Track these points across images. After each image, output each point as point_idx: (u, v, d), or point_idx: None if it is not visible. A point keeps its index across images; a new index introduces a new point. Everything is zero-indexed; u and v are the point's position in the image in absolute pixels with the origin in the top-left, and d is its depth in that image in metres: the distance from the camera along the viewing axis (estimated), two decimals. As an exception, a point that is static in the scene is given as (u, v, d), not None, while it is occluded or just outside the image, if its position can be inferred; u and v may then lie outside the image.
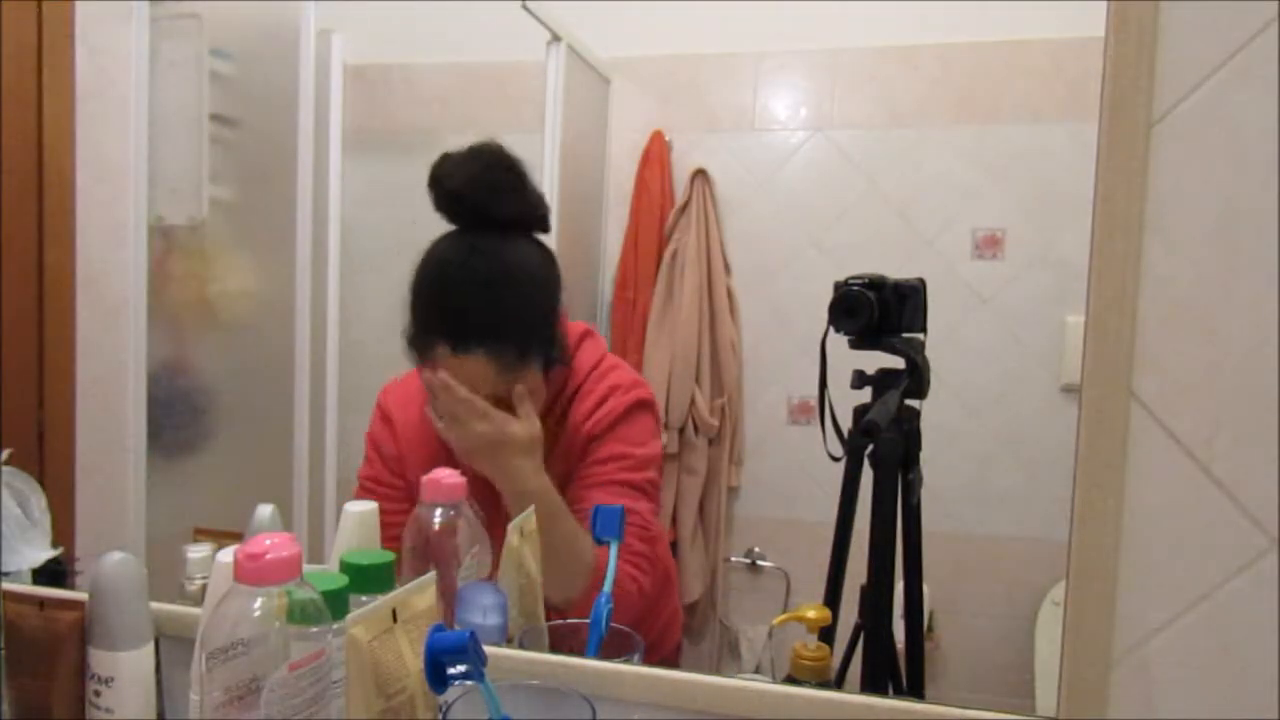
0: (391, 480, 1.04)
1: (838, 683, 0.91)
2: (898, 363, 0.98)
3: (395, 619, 0.71)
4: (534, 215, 1.00)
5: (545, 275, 1.00)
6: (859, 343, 0.99)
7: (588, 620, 0.84)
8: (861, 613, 0.98)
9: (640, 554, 0.98)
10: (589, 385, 1.02)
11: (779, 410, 1.23)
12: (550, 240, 1.24)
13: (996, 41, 1.13)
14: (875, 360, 0.99)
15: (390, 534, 0.88)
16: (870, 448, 0.98)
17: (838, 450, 1.01)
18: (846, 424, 1.01)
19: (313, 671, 0.65)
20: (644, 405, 1.03)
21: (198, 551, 0.93)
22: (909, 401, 0.98)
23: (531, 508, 0.96)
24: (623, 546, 0.88)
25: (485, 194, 0.96)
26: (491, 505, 0.93)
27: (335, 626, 0.68)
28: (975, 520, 1.13)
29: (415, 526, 0.86)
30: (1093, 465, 0.71)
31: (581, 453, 1.01)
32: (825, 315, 0.99)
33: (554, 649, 0.86)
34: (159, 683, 0.82)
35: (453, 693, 0.65)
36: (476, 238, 0.97)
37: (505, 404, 0.94)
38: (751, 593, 1.24)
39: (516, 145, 1.31)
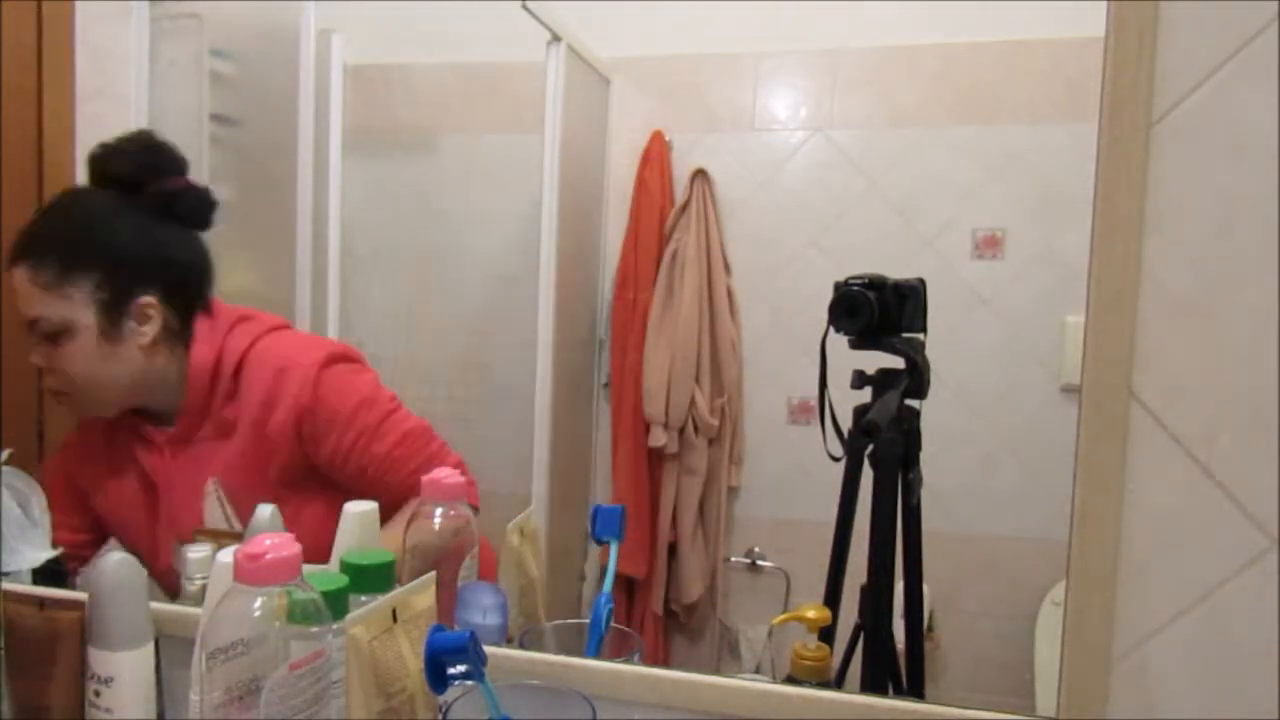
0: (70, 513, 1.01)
1: (838, 683, 0.91)
2: (898, 363, 0.98)
3: (395, 619, 0.71)
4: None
5: (118, 219, 0.97)
6: (859, 343, 0.99)
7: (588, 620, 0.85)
8: (861, 613, 0.98)
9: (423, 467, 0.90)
10: (246, 380, 0.97)
11: (779, 410, 1.23)
12: (550, 240, 1.24)
13: (996, 41, 1.13)
14: (875, 360, 0.99)
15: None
16: (870, 448, 0.98)
17: (838, 450, 1.01)
18: (846, 424, 1.01)
19: (313, 671, 0.65)
20: (327, 365, 0.96)
21: (198, 551, 0.93)
22: (909, 401, 0.98)
23: (531, 508, 0.96)
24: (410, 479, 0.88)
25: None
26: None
27: (335, 626, 0.68)
28: (975, 520, 1.13)
29: (415, 526, 0.87)
30: (1093, 465, 0.71)
31: (300, 452, 0.96)
32: (825, 315, 0.99)
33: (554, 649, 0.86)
34: (159, 683, 0.82)
35: (453, 693, 0.65)
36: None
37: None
38: (751, 593, 1.24)
39: (516, 145, 1.32)
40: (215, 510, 0.98)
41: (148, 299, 0.96)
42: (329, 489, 0.95)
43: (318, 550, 0.78)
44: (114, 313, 0.94)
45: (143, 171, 0.98)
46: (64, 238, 0.95)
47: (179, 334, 0.99)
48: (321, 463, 0.97)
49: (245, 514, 0.91)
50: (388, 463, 0.96)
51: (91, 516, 1.04)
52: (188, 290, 0.99)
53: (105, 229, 0.96)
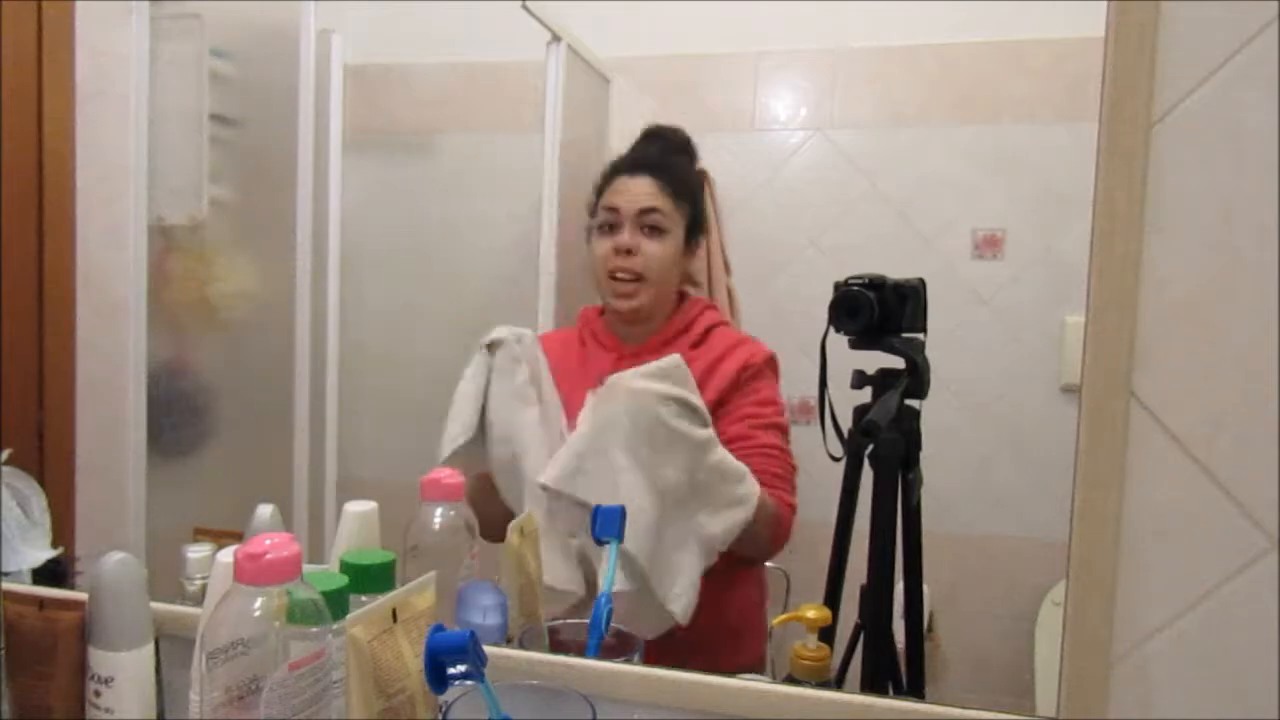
0: None
1: (838, 683, 0.91)
2: (898, 363, 0.98)
3: (395, 619, 0.71)
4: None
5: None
6: (859, 343, 0.99)
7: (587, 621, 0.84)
8: (861, 613, 0.98)
9: (784, 478, 1.07)
10: (714, 338, 1.13)
11: (779, 410, 1.23)
12: (551, 240, 1.25)
13: (996, 41, 1.13)
14: (875, 360, 0.99)
15: None
16: (870, 448, 0.98)
17: (838, 450, 1.01)
18: (846, 424, 1.01)
19: (313, 671, 0.65)
20: (774, 364, 1.13)
21: (198, 551, 0.93)
22: (909, 401, 0.98)
23: (530, 510, 0.96)
24: (770, 476, 1.04)
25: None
26: None
27: (335, 626, 0.68)
28: (975, 520, 1.13)
29: (415, 526, 0.87)
30: (1093, 465, 0.71)
31: (721, 394, 1.08)
32: (825, 315, 0.99)
33: (554, 649, 0.86)
34: (159, 683, 0.82)
35: (453, 693, 0.65)
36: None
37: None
38: (751, 593, 1.24)
39: (516, 145, 1.32)
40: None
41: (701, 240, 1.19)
42: None
43: None
44: (690, 240, 1.15)
45: None
46: (685, 173, 1.18)
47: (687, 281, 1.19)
48: (722, 410, 1.07)
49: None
50: (749, 452, 1.06)
51: None
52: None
53: (698, 174, 1.21)
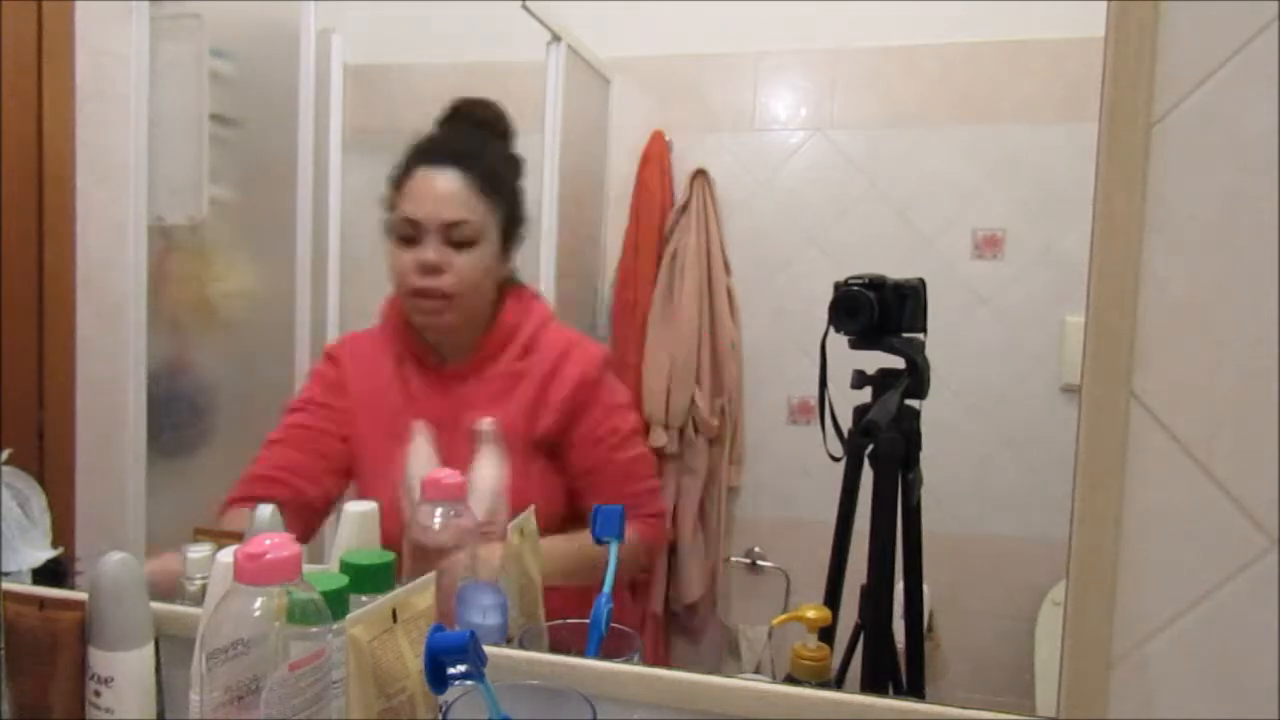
0: (327, 402, 1.06)
1: (838, 683, 0.91)
2: (898, 363, 0.98)
3: (395, 619, 0.71)
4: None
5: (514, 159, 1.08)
6: (859, 343, 0.99)
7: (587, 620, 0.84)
8: (861, 613, 0.98)
9: (650, 490, 1.04)
10: (545, 340, 1.04)
11: (779, 410, 1.23)
12: (550, 240, 1.24)
13: (996, 41, 1.13)
14: (875, 360, 0.99)
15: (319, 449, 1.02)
16: (870, 448, 0.98)
17: (838, 450, 1.01)
18: (846, 424, 1.01)
19: (313, 671, 0.65)
20: (609, 359, 1.06)
21: (198, 551, 0.93)
22: (909, 401, 0.98)
23: (531, 509, 0.96)
24: (634, 495, 0.98)
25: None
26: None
27: (335, 626, 0.68)
28: (975, 520, 1.13)
29: (416, 526, 0.87)
30: (1093, 465, 0.71)
31: (563, 419, 1.00)
32: (825, 315, 0.99)
33: (554, 649, 0.86)
34: (159, 683, 0.82)
35: (453, 693, 0.65)
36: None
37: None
38: (751, 593, 1.24)
39: (516, 146, 1.32)
40: (486, 447, 1.00)
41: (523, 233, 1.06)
42: (558, 468, 1.02)
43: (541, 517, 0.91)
44: (508, 239, 1.04)
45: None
46: (498, 162, 1.04)
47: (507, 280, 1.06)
48: (570, 438, 1.01)
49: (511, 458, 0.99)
50: (615, 473, 1.02)
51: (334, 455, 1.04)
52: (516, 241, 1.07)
53: (515, 161, 1.07)
